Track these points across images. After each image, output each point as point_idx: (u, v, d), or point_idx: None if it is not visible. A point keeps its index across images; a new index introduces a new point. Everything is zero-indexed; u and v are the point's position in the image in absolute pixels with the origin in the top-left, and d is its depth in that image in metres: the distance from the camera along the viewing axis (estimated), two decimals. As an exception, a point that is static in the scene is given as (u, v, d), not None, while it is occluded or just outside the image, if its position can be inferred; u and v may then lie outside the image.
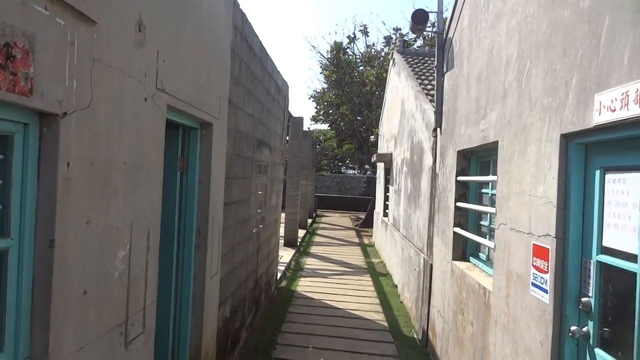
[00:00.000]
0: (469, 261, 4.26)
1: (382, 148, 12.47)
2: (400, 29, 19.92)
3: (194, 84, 2.94)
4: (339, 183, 31.13)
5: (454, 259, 4.38)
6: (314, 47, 26.66)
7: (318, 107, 22.01)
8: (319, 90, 22.40)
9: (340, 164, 39.80)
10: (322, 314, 6.42)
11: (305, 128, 14.31)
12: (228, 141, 3.96)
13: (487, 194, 3.90)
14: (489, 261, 3.80)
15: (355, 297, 7.39)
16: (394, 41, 20.46)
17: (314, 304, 6.89)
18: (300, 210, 14.87)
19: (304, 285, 8.06)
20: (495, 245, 3.17)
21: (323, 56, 20.48)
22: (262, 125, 5.60)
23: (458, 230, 4.33)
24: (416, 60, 10.13)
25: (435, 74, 5.30)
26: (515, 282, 2.80)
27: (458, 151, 4.38)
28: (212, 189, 3.47)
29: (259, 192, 5.76)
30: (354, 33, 19.56)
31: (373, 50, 19.57)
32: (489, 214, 3.83)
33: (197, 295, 3.43)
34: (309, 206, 17.27)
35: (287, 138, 16.56)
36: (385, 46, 21.08)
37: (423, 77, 8.48)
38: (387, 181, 11.16)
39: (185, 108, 2.83)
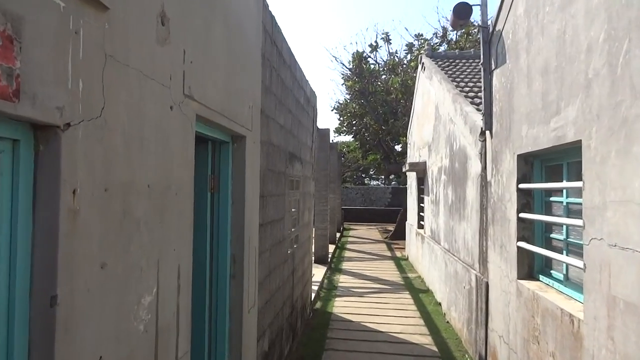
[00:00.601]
0: (539, 280, 3.72)
1: (413, 157, 11.94)
2: (422, 35, 19.49)
3: (224, 90, 2.56)
4: (363, 195, 30.57)
5: (519, 277, 3.84)
6: (335, 58, 26.35)
7: (341, 118, 21.64)
8: (341, 102, 22.07)
9: (363, 175, 39.31)
10: (363, 338, 5.91)
11: (330, 141, 13.92)
12: (262, 155, 3.57)
13: (561, 202, 3.38)
14: (568, 281, 3.26)
15: (396, 318, 6.85)
16: (416, 47, 20.03)
17: (353, 328, 6.38)
18: (329, 225, 14.42)
19: (340, 306, 7.56)
20: (585, 265, 2.65)
21: (345, 66, 20.15)
22: (293, 138, 5.21)
23: (523, 244, 3.80)
24: (447, 64, 9.65)
25: (481, 73, 4.81)
26: (623, 311, 2.28)
27: (518, 155, 3.88)
28: (247, 210, 3.07)
29: (292, 210, 5.35)
30: (375, 41, 19.19)
31: (396, 57, 19.16)
32: (564, 226, 3.30)
33: (234, 332, 3.00)
34: (336, 220, 16.81)
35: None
36: (407, 53, 20.64)
37: (458, 79, 7.98)
38: (421, 191, 10.61)
39: (216, 118, 2.44)
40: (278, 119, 4.26)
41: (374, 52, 19.00)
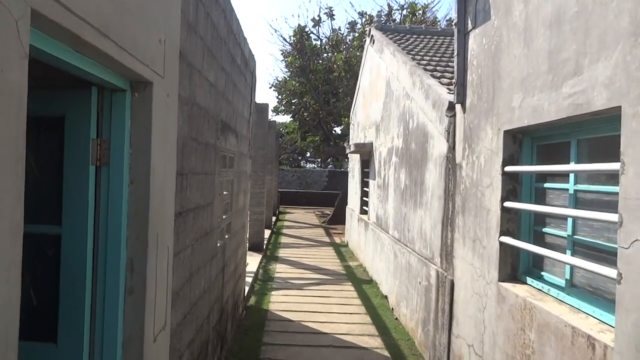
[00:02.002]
0: (526, 283, 3.07)
1: (357, 138, 11.25)
2: (366, 13, 18.76)
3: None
4: (299, 177, 29.85)
5: (501, 279, 3.18)
6: (275, 31, 24.96)
7: (280, 97, 20.54)
8: (280, 79, 20.92)
9: (299, 157, 38.50)
10: (305, 343, 5.11)
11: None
12: (181, 117, 2.56)
13: (566, 190, 2.71)
14: (573, 289, 2.61)
15: (341, 316, 6.13)
16: (359, 26, 19.32)
17: (293, 329, 5.56)
18: (266, 209, 13.45)
19: (278, 302, 6.71)
20: (621, 274, 1.97)
21: (285, 41, 18.98)
22: (227, 104, 4.19)
23: (507, 240, 3.14)
24: (397, 37, 8.96)
25: (454, 35, 4.08)
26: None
27: (505, 131, 3.18)
28: (154, 193, 2.07)
29: (225, 193, 4.36)
30: (319, 15, 18.22)
31: (339, 34, 18.30)
32: (569, 220, 2.64)
33: (130, 372, 2.03)
34: (272, 203, 15.88)
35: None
36: (349, 32, 19.87)
37: (412, 52, 7.29)
38: (365, 175, 9.96)
39: (92, 38, 1.43)
40: (207, 73, 3.24)
41: (317, 27, 18.02)
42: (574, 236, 2.61)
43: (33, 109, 2.01)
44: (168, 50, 2.23)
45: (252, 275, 7.91)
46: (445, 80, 5.40)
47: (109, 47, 1.56)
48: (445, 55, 7.24)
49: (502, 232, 3.20)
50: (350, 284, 8.02)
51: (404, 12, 17.85)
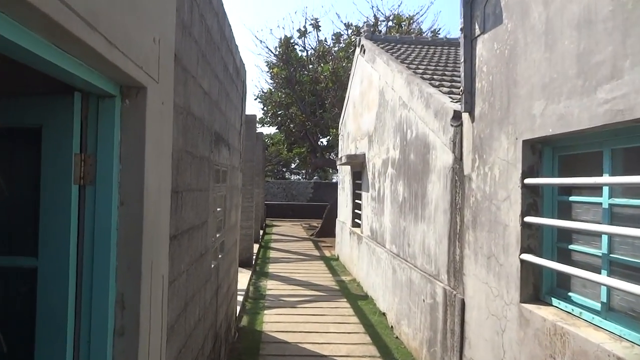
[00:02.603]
0: (552, 305, 2.84)
1: (347, 149, 11.04)
2: (352, 24, 18.71)
3: (98, -21, 1.26)
4: (285, 189, 29.52)
5: (523, 300, 2.95)
6: (260, 42, 24.72)
7: (265, 108, 20.27)
8: (266, 91, 20.68)
9: (284, 169, 38.17)
10: (304, 367, 4.80)
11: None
12: (176, 128, 2.28)
13: (598, 204, 2.50)
14: (611, 312, 2.38)
15: (339, 335, 5.82)
16: (345, 37, 19.26)
17: (290, 352, 5.24)
18: (254, 223, 13.10)
19: (271, 322, 6.37)
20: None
21: (271, 52, 18.77)
22: (220, 114, 3.92)
23: (529, 257, 2.91)
24: (389, 47, 8.81)
25: (461, 41, 3.89)
26: None
27: (524, 141, 2.97)
28: (148, 215, 1.78)
29: (218, 209, 4.06)
30: (304, 26, 18.05)
31: (325, 45, 18.19)
32: (605, 237, 2.43)
33: None
34: (260, 217, 15.53)
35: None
36: (335, 43, 19.79)
37: (407, 61, 7.12)
38: (357, 187, 9.73)
39: (74, 27, 1.15)
40: (201, 80, 2.97)
41: (303, 38, 17.87)
42: (611, 255, 2.39)
43: (4, 119, 1.72)
44: (163, 51, 1.95)
45: (243, 293, 7.57)
46: (444, 89, 5.22)
47: (97, 42, 1.28)
48: (440, 64, 7.10)
49: (523, 249, 2.97)
50: (345, 300, 7.72)
51: (390, 23, 17.86)
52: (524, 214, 2.97)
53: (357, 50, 9.73)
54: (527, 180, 2.95)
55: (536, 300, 2.95)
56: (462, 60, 3.86)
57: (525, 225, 2.97)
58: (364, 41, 9.14)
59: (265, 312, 6.87)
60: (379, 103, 7.52)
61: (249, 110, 9.63)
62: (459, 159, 4.06)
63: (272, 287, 8.60)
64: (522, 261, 2.96)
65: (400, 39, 9.46)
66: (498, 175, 3.30)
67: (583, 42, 2.39)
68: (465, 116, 3.95)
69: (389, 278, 6.48)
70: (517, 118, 3.05)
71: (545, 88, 2.72)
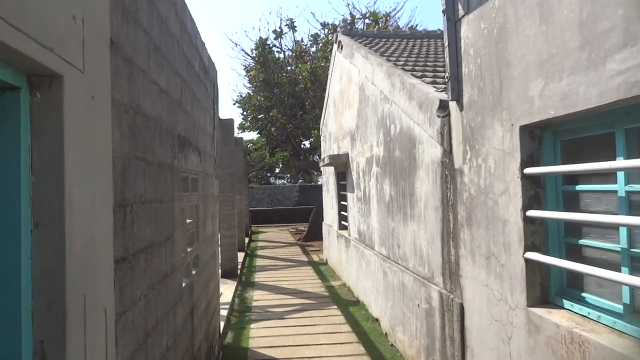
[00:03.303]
0: (564, 308, 2.54)
1: (329, 150, 10.71)
2: (328, 24, 18.42)
3: None
4: (270, 194, 29.12)
5: (530, 304, 2.64)
6: (236, 45, 24.32)
7: (245, 113, 19.84)
8: (244, 95, 20.25)
9: (268, 174, 37.68)
10: (294, 385, 4.43)
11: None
12: (118, 130, 1.91)
13: (613, 192, 2.20)
14: (637, 315, 2.08)
15: (330, 347, 5.47)
16: (322, 37, 18.97)
17: (280, 369, 4.87)
18: (238, 231, 12.67)
19: (258, 336, 5.99)
20: None
21: (247, 54, 18.36)
22: (185, 115, 3.54)
23: (534, 256, 2.61)
24: (367, 42, 8.51)
25: (443, 24, 3.59)
26: None
27: (522, 127, 2.67)
28: (75, 237, 1.41)
29: (188, 221, 3.68)
30: (280, 27, 17.70)
31: (302, 45, 17.86)
32: (624, 230, 2.13)
33: None
34: (244, 224, 15.08)
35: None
36: (312, 44, 19.49)
37: (386, 54, 6.82)
38: (342, 187, 9.41)
39: None
40: (155, 76, 2.60)
41: (279, 40, 17.51)
42: (632, 249, 2.09)
43: None
44: (89, 34, 1.58)
45: (227, 306, 7.16)
46: (427, 80, 4.92)
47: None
48: (420, 56, 6.82)
49: (527, 247, 2.66)
50: (335, 307, 7.37)
51: (367, 20, 17.62)
52: (525, 207, 2.67)
53: (335, 46, 9.42)
54: (527, 170, 2.65)
55: (545, 303, 2.64)
56: (446, 44, 3.56)
57: (527, 220, 2.67)
58: (341, 37, 8.83)
59: (252, 325, 6.48)
60: (360, 99, 7.21)
61: (227, 115, 9.26)
62: (448, 152, 3.76)
63: (258, 297, 8.21)
64: (527, 260, 2.66)
65: (378, 33, 9.18)
66: (493, 167, 2.99)
67: (586, 9, 2.09)
68: (452, 105, 3.64)
69: (379, 282, 6.15)
70: (512, 102, 2.75)
71: (543, 66, 2.42)
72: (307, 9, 37.66)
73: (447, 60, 3.56)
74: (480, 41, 3.13)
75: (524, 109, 2.62)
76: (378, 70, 5.98)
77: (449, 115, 3.74)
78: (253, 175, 32.72)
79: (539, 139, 2.69)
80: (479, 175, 3.20)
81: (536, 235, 2.67)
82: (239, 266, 10.59)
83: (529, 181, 2.68)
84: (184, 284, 3.34)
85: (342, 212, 9.50)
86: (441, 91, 4.20)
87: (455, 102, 3.57)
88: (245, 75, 19.69)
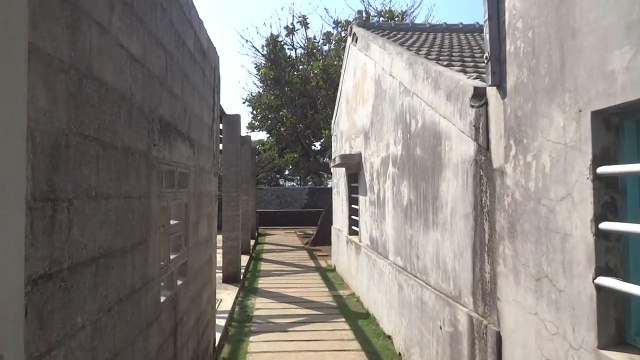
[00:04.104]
0: (651, 353, 1.91)
1: (340, 149, 10.13)
2: (341, 22, 17.86)
3: None
4: (279, 196, 28.63)
5: (602, 345, 2.01)
6: (247, 41, 23.89)
7: (254, 112, 19.34)
8: (254, 94, 19.76)
9: (278, 175, 37.17)
10: (294, 415, 3.83)
11: (242, 134, 11.66)
12: (43, 92, 1.34)
13: None
14: None
15: (337, 367, 4.87)
16: (335, 36, 18.41)
17: (279, 393, 4.27)
18: (242, 233, 12.12)
19: (257, 351, 5.40)
20: None
21: (258, 51, 17.87)
22: (172, 98, 2.98)
23: (611, 282, 1.98)
24: (384, 34, 7.91)
25: (483, -8, 2.98)
26: None
27: (595, 113, 2.05)
28: None
29: (173, 222, 3.11)
30: (292, 23, 17.17)
31: (315, 43, 17.32)
32: None
33: None
34: (250, 226, 14.52)
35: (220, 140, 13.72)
36: (325, 43, 18.93)
37: (404, 46, 6.22)
38: (353, 190, 8.80)
39: None
40: (122, 37, 2.03)
41: (291, 36, 16.99)
42: None
43: None
44: None
45: (227, 315, 6.59)
46: (455, 69, 4.31)
47: None
48: (444, 47, 6.21)
49: (599, 270, 2.04)
50: (343, 319, 6.76)
51: (382, 19, 17.02)
52: (597, 218, 2.04)
53: (349, 39, 8.84)
54: (601, 169, 2.03)
55: (622, 344, 2.02)
56: (485, 18, 2.95)
57: (600, 235, 2.04)
58: (355, 29, 8.25)
59: (251, 338, 5.90)
60: (375, 94, 6.61)
61: (238, 114, 8.73)
62: (484, 149, 3.14)
63: (260, 306, 7.62)
64: (598, 287, 2.03)
65: (395, 26, 8.59)
66: (549, 165, 2.38)
67: None
68: (491, 92, 3.03)
69: (393, 295, 5.53)
70: (580, 82, 2.13)
71: (632, 28, 1.81)
72: (320, 6, 36.94)
73: (487, 37, 2.95)
74: (534, 9, 2.52)
75: (598, 89, 2.01)
76: (397, 60, 5.38)
77: (486, 104, 3.13)
78: (262, 177, 32.26)
79: (616, 129, 2.07)
80: (528, 176, 2.58)
81: (611, 254, 2.05)
82: (243, 270, 10.03)
83: (602, 184, 2.06)
84: (163, 299, 2.77)
85: (353, 217, 8.89)
86: (474, 78, 3.60)
87: (495, 88, 2.96)
88: (256, 74, 19.21)
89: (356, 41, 8.09)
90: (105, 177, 1.82)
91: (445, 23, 8.77)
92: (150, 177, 2.46)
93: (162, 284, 2.77)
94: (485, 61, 2.99)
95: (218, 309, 6.79)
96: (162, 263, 2.76)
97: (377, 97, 6.54)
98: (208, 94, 4.58)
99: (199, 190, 4.02)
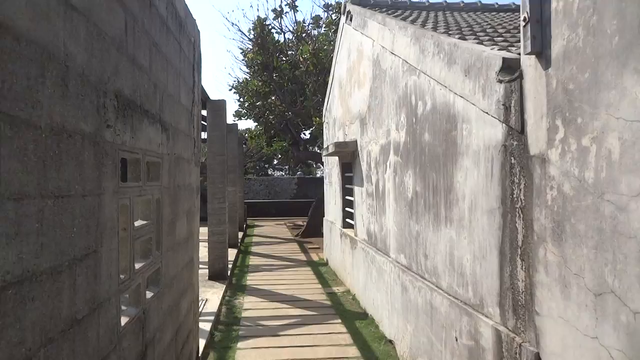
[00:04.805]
0: None
1: (333, 137, 9.56)
2: (331, 5, 17.16)
3: None
4: (267, 186, 28.03)
5: None
6: (233, 24, 22.88)
7: (241, 99, 18.60)
8: (241, 80, 19.00)
9: (266, 165, 36.45)
10: None
11: (229, 122, 11.00)
12: None
13: None
14: None
15: (336, 379, 4.36)
16: (324, 20, 17.70)
17: (271, 413, 3.75)
18: (229, 225, 11.53)
19: (247, 358, 4.87)
20: None
21: (245, 35, 17.09)
22: (134, 68, 2.37)
23: None
24: (382, 12, 7.30)
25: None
26: None
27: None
28: None
29: (138, 224, 2.53)
30: (280, 6, 16.40)
31: (304, 26, 16.61)
32: None
33: None
34: (238, 218, 13.91)
35: (201, 129, 13.04)
36: (314, 27, 18.20)
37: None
38: (347, 180, 8.26)
39: None
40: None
41: (279, 20, 16.24)
42: None
43: None
44: None
45: (212, 318, 6.04)
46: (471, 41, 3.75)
47: None
48: (451, 26, 5.64)
49: (702, 290, 1.52)
50: (339, 321, 6.25)
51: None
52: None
53: (342, 18, 8.23)
54: None
55: None
56: (524, -30, 2.40)
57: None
58: (350, 6, 7.63)
59: (239, 344, 5.36)
60: (374, 76, 6.04)
61: (223, 99, 8.07)
62: (516, 132, 2.61)
63: (249, 306, 7.08)
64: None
65: (392, 3, 7.98)
66: (618, 151, 1.85)
67: None
68: (528, 62, 2.49)
69: (396, 297, 5.02)
70: (674, 37, 1.59)
71: None
72: None
73: (525, -7, 2.40)
74: (596, -49, 1.97)
75: None
76: (400, 35, 4.81)
77: (519, 78, 2.58)
78: (250, 167, 31.55)
79: None
80: (583, 165, 2.05)
81: None
82: (230, 266, 9.47)
83: None
84: (124, 321, 2.20)
85: (348, 209, 8.35)
86: (499, 48, 3.05)
87: (534, 56, 2.42)
88: (243, 60, 18.45)
89: (351, 20, 7.48)
90: (16, 169, 1.24)
91: (445, 1, 8.19)
92: (101, 167, 1.88)
93: (121, 303, 2.20)
94: (523, 24, 2.44)
95: (203, 311, 6.24)
96: (122, 276, 2.18)
97: (375, 79, 5.97)
98: (186, 72, 3.97)
99: (175, 182, 3.43)
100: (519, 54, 2.69)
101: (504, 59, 2.74)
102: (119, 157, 2.12)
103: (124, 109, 2.19)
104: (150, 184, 2.75)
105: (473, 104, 3.16)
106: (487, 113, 2.95)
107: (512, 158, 2.67)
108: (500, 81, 2.76)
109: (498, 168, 2.84)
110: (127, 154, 2.27)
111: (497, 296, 2.86)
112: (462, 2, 8.24)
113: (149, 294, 2.72)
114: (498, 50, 3.05)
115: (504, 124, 2.75)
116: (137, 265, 2.47)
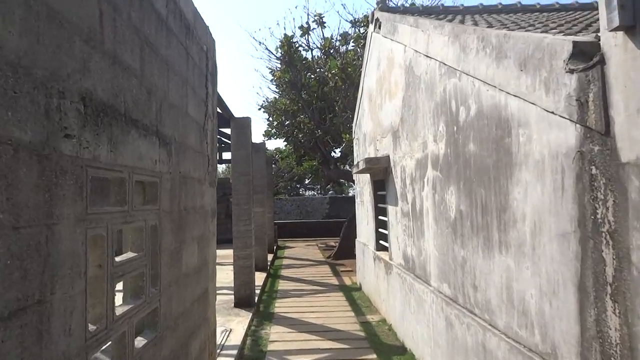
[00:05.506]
0: None
1: (364, 153, 9.03)
2: (358, 20, 16.82)
3: None
4: (299, 206, 27.64)
5: None
6: (260, 43, 22.89)
7: (270, 118, 18.40)
8: (270, 99, 18.84)
9: (298, 185, 36.12)
10: None
11: (257, 141, 10.66)
12: None
13: None
14: None
15: None
16: (352, 36, 17.38)
17: None
18: (258, 248, 11.10)
19: (270, 405, 4.30)
20: None
21: (272, 53, 16.94)
22: (115, 67, 1.94)
23: None
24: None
25: None
26: None
27: None
28: None
29: (127, 257, 2.06)
30: (307, 22, 16.19)
31: (332, 42, 16.31)
32: None
33: None
34: (267, 239, 13.47)
35: (225, 148, 12.75)
36: (342, 44, 17.90)
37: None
38: (380, 199, 7.67)
39: None
40: None
41: (306, 37, 16.01)
42: None
43: None
44: None
45: (235, 351, 5.52)
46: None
47: None
48: (494, 25, 5.08)
49: None
50: (374, 356, 5.61)
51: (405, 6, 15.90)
52: None
53: (370, 27, 7.78)
54: None
55: None
56: None
57: None
58: (378, 14, 7.18)
59: (263, 384, 4.81)
60: (406, 84, 5.51)
61: (254, 122, 7.76)
62: (599, 133, 2.01)
63: (276, 337, 6.53)
64: None
65: (423, 9, 7.49)
66: None
67: None
68: (613, 42, 1.91)
69: (439, 332, 4.37)
70: None
71: None
72: (337, 4, 35.23)
73: (607, -48, 1.84)
74: None
75: None
76: (436, 35, 4.28)
77: (600, 63, 2.00)
78: (282, 187, 31.29)
79: None
80: None
81: None
82: (258, 291, 8.99)
83: None
84: (97, 386, 1.71)
85: (381, 230, 7.74)
86: (565, 33, 2.48)
87: (622, 33, 1.85)
88: (272, 80, 18.30)
89: (379, 27, 7.02)
90: None
91: (481, 4, 7.63)
92: (52, 189, 1.42)
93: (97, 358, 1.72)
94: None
95: (225, 343, 5.75)
96: (93, 328, 1.71)
97: (408, 87, 5.43)
98: (196, 82, 3.56)
99: (180, 205, 2.98)
100: (595, 36, 2.11)
101: (576, 43, 2.17)
102: (87, 175, 1.67)
103: (96, 116, 1.75)
104: (142, 207, 2.30)
105: (532, 104, 2.58)
106: (552, 113, 2.37)
107: (593, 167, 2.07)
108: (572, 71, 2.18)
109: (572, 181, 2.24)
110: (102, 172, 1.82)
111: (578, 345, 2.22)
112: (500, 3, 7.65)
113: (141, 342, 2.24)
114: (563, 36, 2.47)
115: (578, 125, 2.16)
116: (121, 310, 2.00)
